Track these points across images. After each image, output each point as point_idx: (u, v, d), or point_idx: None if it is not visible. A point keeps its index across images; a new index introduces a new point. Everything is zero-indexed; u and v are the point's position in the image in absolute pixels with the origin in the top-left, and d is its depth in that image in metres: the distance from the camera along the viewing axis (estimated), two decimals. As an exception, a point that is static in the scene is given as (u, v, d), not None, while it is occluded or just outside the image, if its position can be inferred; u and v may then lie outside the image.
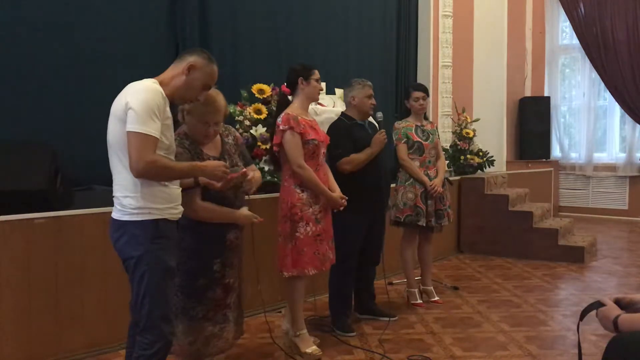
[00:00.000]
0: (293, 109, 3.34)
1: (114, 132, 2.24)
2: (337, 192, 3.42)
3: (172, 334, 2.35)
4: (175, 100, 2.39)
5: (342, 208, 3.43)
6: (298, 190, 3.28)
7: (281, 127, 3.26)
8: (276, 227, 3.34)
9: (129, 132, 2.16)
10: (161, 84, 2.30)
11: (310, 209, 3.27)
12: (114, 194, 2.30)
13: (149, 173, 2.19)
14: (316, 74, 3.39)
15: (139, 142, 2.14)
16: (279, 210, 3.34)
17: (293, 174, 3.28)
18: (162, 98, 2.23)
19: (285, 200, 3.30)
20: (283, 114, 3.32)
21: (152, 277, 2.24)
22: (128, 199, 2.24)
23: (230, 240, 2.81)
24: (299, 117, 3.29)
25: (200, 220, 2.68)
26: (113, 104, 2.28)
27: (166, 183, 2.30)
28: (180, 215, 2.40)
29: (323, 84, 5.24)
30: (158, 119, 2.18)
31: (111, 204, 3.39)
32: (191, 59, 2.35)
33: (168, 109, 2.30)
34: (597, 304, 2.08)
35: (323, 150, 3.40)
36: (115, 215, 2.29)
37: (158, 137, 2.19)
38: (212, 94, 2.62)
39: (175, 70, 2.36)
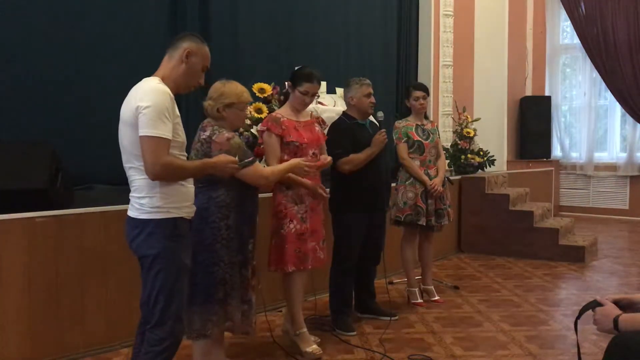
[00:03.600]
0: (281, 110, 3.40)
1: (127, 137, 2.25)
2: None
3: (182, 333, 2.38)
4: (180, 90, 2.38)
5: (327, 196, 3.48)
6: (283, 188, 3.30)
7: (259, 128, 3.33)
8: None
9: (142, 137, 2.16)
10: (163, 79, 2.30)
11: (295, 207, 3.28)
12: (131, 194, 2.31)
13: (166, 175, 2.21)
14: (304, 87, 3.31)
15: (153, 145, 2.15)
16: (271, 208, 3.37)
17: None
18: (170, 98, 2.23)
19: (273, 197, 3.34)
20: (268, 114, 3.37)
21: (168, 275, 2.26)
22: (146, 199, 2.25)
23: (257, 222, 2.93)
24: (283, 118, 3.30)
25: (243, 197, 2.81)
26: (122, 109, 2.28)
27: (182, 182, 2.32)
28: (193, 214, 2.43)
29: (323, 84, 5.26)
30: (169, 120, 2.19)
31: (112, 203, 3.40)
32: (185, 44, 2.34)
33: (176, 107, 2.30)
34: (595, 303, 2.07)
35: (311, 151, 3.36)
36: (133, 213, 2.29)
37: (170, 138, 2.20)
38: (236, 82, 2.83)
39: (173, 61, 2.35)
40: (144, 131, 2.15)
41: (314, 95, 3.41)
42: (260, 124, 3.35)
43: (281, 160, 3.23)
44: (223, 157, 2.47)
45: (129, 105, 2.23)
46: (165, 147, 2.18)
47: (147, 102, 2.16)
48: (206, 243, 2.70)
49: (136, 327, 2.46)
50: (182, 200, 2.32)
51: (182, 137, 2.34)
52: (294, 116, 3.38)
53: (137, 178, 2.26)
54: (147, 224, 2.25)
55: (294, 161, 3.09)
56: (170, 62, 2.35)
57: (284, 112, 3.36)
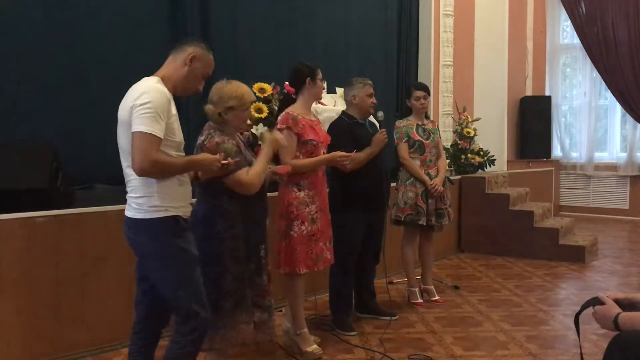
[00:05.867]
0: (295, 108, 3.35)
1: (124, 136, 2.25)
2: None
3: (208, 316, 2.40)
4: (178, 92, 2.40)
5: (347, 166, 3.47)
6: (295, 189, 3.28)
7: (279, 126, 3.28)
8: (275, 224, 3.36)
9: (134, 133, 2.17)
10: (163, 79, 2.31)
11: (307, 209, 3.28)
12: (129, 195, 2.32)
13: (153, 172, 2.21)
14: (320, 74, 3.41)
15: (144, 142, 2.16)
16: (277, 208, 3.35)
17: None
18: (166, 98, 2.24)
19: (282, 198, 3.31)
20: (283, 112, 3.32)
21: (181, 269, 2.29)
22: (144, 199, 2.26)
23: (267, 226, 2.90)
24: (299, 117, 3.29)
25: (249, 204, 2.73)
26: (120, 109, 2.29)
27: (181, 183, 2.34)
28: (189, 214, 2.44)
29: (324, 83, 5.26)
30: (162, 120, 2.20)
31: (112, 203, 3.39)
32: (190, 49, 2.36)
33: (173, 107, 2.31)
34: (596, 301, 2.07)
35: (323, 150, 3.40)
36: (131, 213, 2.30)
37: (162, 137, 2.20)
38: (237, 82, 2.75)
39: (176, 63, 2.36)
40: (136, 128, 2.16)
41: None
42: (278, 122, 3.30)
43: (295, 159, 3.27)
44: (208, 155, 2.46)
45: (126, 105, 2.24)
46: (156, 145, 2.18)
47: (143, 100, 2.18)
48: (212, 254, 2.64)
49: (132, 327, 2.46)
50: (180, 200, 2.33)
51: (179, 137, 2.34)
52: (307, 115, 3.39)
53: (135, 178, 2.27)
54: (147, 223, 2.26)
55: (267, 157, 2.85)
56: (172, 63, 2.37)
57: (298, 111, 3.34)
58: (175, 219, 2.29)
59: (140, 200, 2.26)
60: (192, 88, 2.44)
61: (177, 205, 2.32)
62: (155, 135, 2.17)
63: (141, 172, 2.20)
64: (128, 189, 2.32)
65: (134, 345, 2.43)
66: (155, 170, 2.21)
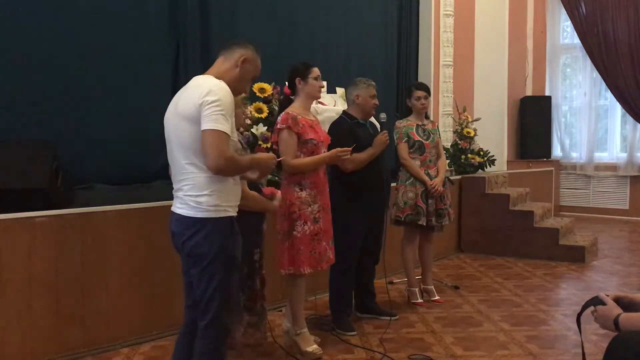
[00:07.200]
0: (294, 108, 3.35)
1: (187, 133, 2.23)
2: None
3: (232, 324, 2.43)
4: None
5: (345, 158, 3.43)
6: (297, 189, 3.28)
7: (279, 126, 3.29)
8: (276, 225, 3.36)
9: (206, 131, 2.16)
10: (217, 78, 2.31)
11: (309, 208, 3.28)
12: (185, 193, 2.28)
13: (227, 170, 2.22)
14: (314, 72, 3.37)
15: (218, 139, 2.16)
16: (279, 208, 3.34)
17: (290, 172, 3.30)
18: (232, 97, 2.25)
19: (284, 198, 3.30)
20: (283, 112, 3.33)
21: (225, 273, 2.29)
22: (204, 197, 2.25)
23: (264, 230, 2.91)
24: (299, 117, 3.29)
25: (241, 209, 2.73)
26: (179, 105, 2.28)
27: (235, 182, 2.36)
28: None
29: (324, 83, 5.26)
30: (230, 118, 2.21)
31: (112, 203, 3.40)
32: (242, 51, 2.38)
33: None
34: (597, 300, 2.07)
35: (323, 150, 3.40)
36: (187, 212, 2.27)
37: (230, 135, 2.22)
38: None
39: (227, 64, 2.37)
40: (209, 125, 2.16)
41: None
42: (278, 122, 3.30)
43: (296, 159, 3.27)
44: (267, 154, 2.47)
45: (192, 100, 2.22)
46: (227, 143, 2.19)
47: (214, 97, 2.18)
48: None
49: (181, 327, 2.48)
50: (234, 199, 2.36)
51: (236, 136, 2.37)
52: (307, 115, 3.39)
53: (196, 175, 2.25)
54: (205, 222, 2.25)
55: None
56: (224, 64, 2.38)
57: (298, 111, 3.34)
58: (231, 220, 2.31)
59: (201, 198, 2.24)
60: (242, 90, 2.47)
61: (233, 205, 2.34)
62: (227, 133, 2.19)
63: (217, 170, 2.20)
64: (183, 186, 2.29)
65: (184, 337, 2.43)
66: (230, 167, 2.22)
